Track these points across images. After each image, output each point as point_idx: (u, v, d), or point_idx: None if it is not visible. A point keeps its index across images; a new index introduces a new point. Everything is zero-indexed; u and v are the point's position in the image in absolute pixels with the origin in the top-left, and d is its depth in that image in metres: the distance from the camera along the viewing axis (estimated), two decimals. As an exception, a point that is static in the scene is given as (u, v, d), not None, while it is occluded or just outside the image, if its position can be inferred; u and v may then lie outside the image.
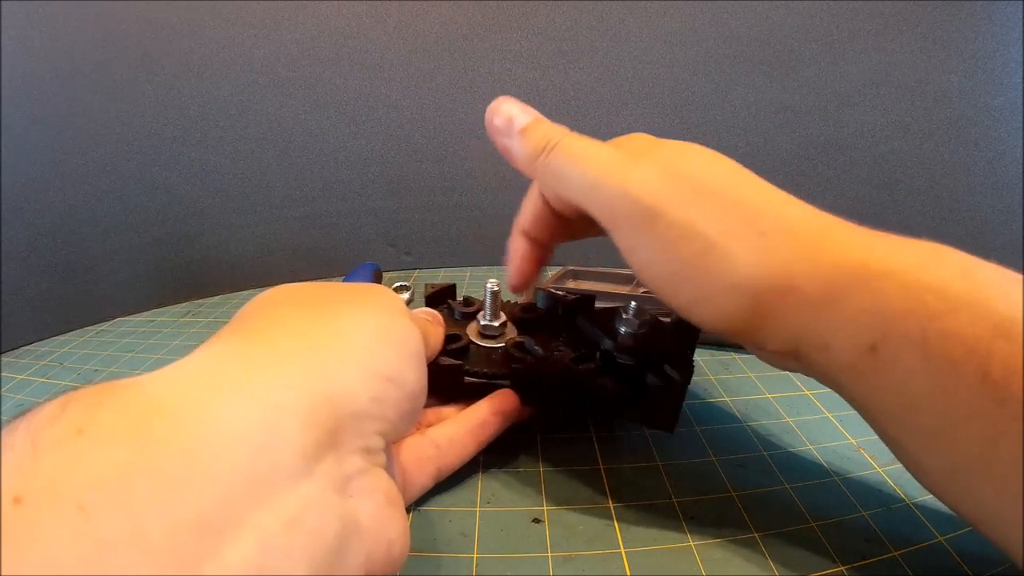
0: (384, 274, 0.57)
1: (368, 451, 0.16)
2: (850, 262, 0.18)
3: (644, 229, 0.21)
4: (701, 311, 0.20)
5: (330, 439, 0.15)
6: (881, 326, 0.17)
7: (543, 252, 0.28)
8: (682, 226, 0.20)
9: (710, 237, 0.19)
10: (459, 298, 0.34)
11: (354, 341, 0.18)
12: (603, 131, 0.27)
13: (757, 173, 0.21)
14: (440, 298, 0.34)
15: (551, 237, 0.27)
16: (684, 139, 0.23)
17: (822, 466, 0.26)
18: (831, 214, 0.20)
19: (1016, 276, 0.16)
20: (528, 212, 0.27)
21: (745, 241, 0.19)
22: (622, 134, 0.25)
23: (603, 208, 0.22)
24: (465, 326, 0.30)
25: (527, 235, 0.27)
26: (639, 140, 0.24)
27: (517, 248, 0.28)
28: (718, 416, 0.30)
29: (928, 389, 0.16)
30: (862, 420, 0.30)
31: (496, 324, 0.29)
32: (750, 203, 0.20)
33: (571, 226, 0.27)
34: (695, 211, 0.20)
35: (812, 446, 0.28)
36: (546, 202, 0.26)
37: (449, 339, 0.27)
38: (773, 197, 0.20)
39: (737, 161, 0.22)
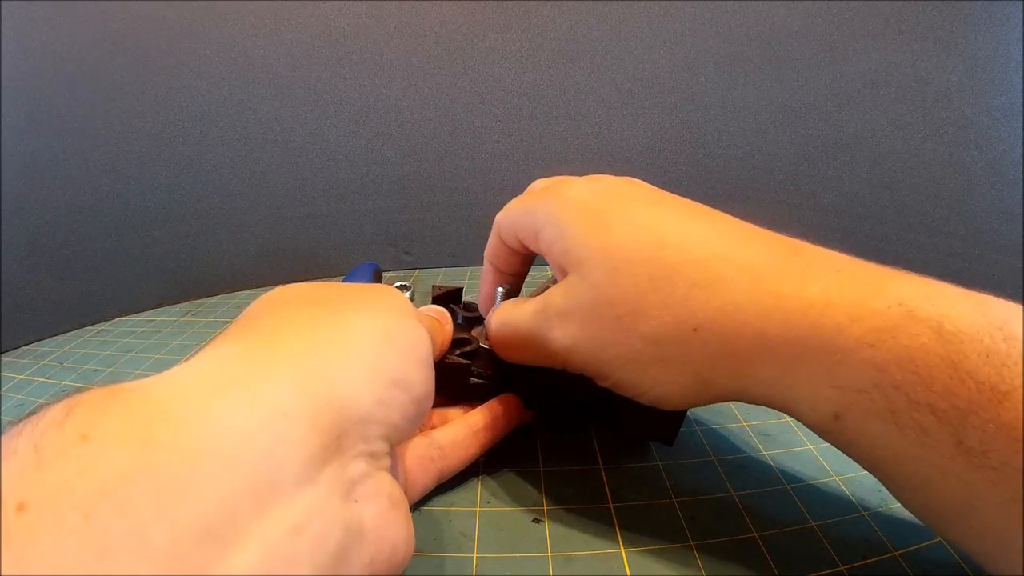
0: (384, 274, 0.57)
1: (373, 455, 0.16)
2: (800, 334, 0.17)
3: (584, 369, 0.22)
4: (667, 406, 0.21)
5: (335, 444, 0.15)
6: (843, 399, 0.16)
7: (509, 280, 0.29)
8: (613, 363, 0.20)
9: (648, 371, 0.20)
10: (463, 303, 0.34)
11: (360, 344, 0.18)
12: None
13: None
14: (445, 302, 0.34)
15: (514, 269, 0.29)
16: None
17: (822, 466, 0.26)
18: (776, 240, 0.20)
19: (999, 317, 0.15)
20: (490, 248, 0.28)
21: (678, 363, 0.19)
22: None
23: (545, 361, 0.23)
24: (470, 329, 0.30)
25: (493, 265, 0.29)
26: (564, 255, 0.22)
27: (485, 276, 0.29)
28: (718, 416, 0.30)
29: (899, 453, 0.16)
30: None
31: None
32: (676, 305, 0.19)
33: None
34: (619, 348, 0.20)
35: (812, 446, 0.28)
36: (502, 241, 0.27)
37: (457, 342, 0.27)
38: (708, 272, 0.19)
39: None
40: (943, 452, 0.14)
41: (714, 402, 0.20)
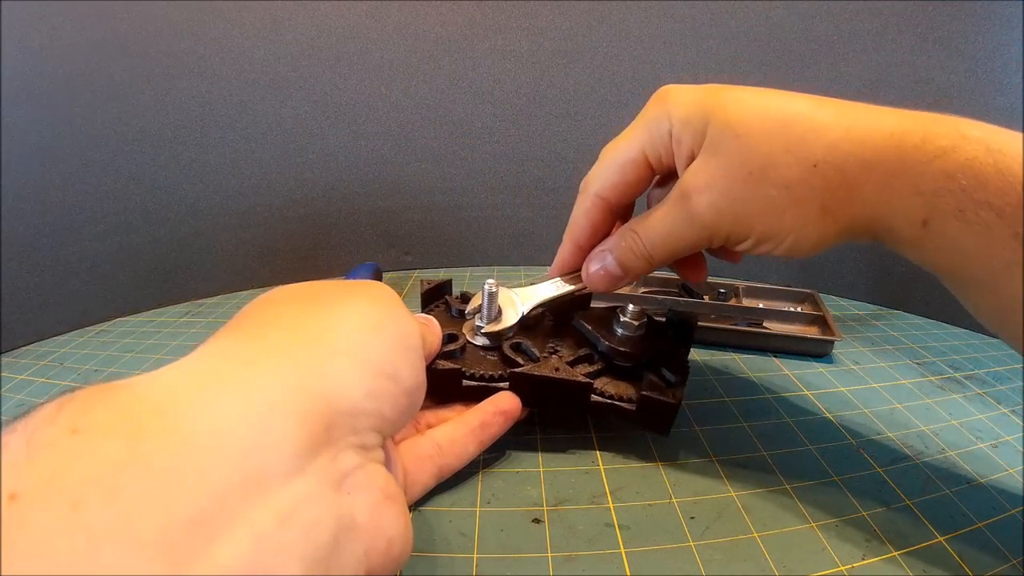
0: (384, 274, 0.57)
1: (364, 447, 0.16)
2: (887, 155, 0.20)
3: (730, 234, 0.23)
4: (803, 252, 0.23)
5: (324, 435, 0.15)
6: (926, 203, 0.19)
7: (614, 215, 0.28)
8: (754, 217, 0.22)
9: (784, 217, 0.22)
10: (455, 294, 0.34)
11: (349, 336, 0.18)
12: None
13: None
14: (437, 294, 0.34)
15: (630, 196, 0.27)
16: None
17: (822, 466, 0.26)
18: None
19: None
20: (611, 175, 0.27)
21: (806, 201, 0.21)
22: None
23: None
24: (461, 324, 0.30)
25: (601, 196, 0.27)
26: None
27: (590, 216, 0.27)
28: (718, 416, 0.30)
29: (972, 249, 0.19)
30: (862, 420, 0.30)
31: (494, 327, 0.29)
32: (796, 148, 0.21)
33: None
34: (756, 200, 0.22)
35: (812, 446, 0.28)
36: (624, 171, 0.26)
37: (446, 339, 0.27)
38: (814, 119, 0.22)
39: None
40: (1004, 244, 0.18)
41: (838, 240, 0.22)
